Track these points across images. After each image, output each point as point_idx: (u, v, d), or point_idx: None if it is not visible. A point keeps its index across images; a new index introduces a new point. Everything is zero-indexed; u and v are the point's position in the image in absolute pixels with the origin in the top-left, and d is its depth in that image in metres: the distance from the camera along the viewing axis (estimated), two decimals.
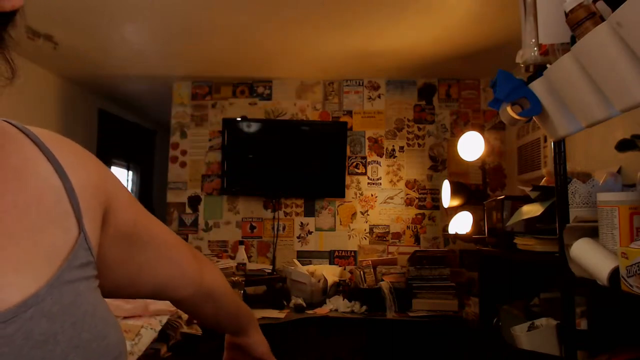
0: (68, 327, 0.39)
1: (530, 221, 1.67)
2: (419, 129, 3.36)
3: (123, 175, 4.46)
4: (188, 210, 3.41)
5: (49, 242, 0.42)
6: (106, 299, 0.47)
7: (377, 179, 3.34)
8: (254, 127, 3.35)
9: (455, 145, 3.08)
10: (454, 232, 2.98)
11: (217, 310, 0.73)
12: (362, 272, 2.93)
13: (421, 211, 3.30)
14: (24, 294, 0.38)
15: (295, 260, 3.20)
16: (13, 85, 0.48)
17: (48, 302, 0.38)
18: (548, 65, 1.16)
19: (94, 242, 0.47)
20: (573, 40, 1.01)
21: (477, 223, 2.87)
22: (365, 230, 3.31)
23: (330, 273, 3.04)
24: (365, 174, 3.35)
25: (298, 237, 3.34)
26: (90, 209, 0.47)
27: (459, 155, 3.05)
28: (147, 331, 1.75)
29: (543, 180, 1.89)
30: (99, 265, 0.48)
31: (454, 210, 3.06)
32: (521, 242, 1.72)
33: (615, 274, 0.99)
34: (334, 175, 3.27)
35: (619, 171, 1.68)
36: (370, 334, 2.66)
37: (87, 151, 0.53)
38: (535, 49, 1.17)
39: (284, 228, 3.34)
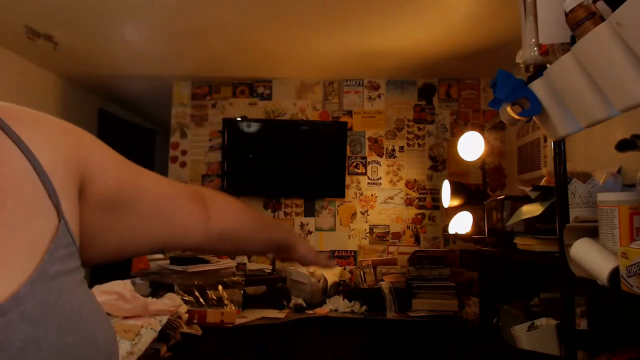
0: (52, 331, 0.35)
1: (530, 221, 1.67)
2: (419, 129, 3.36)
3: None
4: None
5: (28, 235, 0.38)
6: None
7: (377, 179, 3.34)
8: (254, 127, 3.35)
9: (455, 145, 3.08)
10: (454, 232, 2.98)
11: (236, 244, 0.73)
12: (362, 272, 2.93)
13: (421, 211, 3.30)
14: (3, 296, 0.34)
15: None
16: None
17: (29, 303, 0.35)
18: (548, 65, 1.16)
19: (75, 226, 0.43)
20: (573, 40, 1.01)
21: (477, 223, 2.87)
22: (365, 230, 3.31)
23: (330, 273, 3.04)
24: (365, 174, 3.35)
25: None
26: (65, 189, 0.43)
27: (459, 155, 3.05)
28: (147, 331, 1.75)
29: (543, 180, 1.89)
30: (82, 237, 0.44)
31: (454, 210, 3.06)
32: (521, 242, 1.72)
33: (615, 274, 0.99)
34: (334, 175, 3.27)
35: (619, 171, 1.68)
36: (370, 334, 2.66)
37: (49, 118, 0.47)
38: (535, 49, 1.17)
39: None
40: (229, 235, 0.70)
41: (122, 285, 1.85)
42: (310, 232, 3.33)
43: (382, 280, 2.87)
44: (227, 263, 2.74)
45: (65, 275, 0.39)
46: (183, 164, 3.45)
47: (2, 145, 0.40)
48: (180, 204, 0.61)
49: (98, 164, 0.49)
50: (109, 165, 0.51)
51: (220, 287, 2.55)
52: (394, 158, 3.35)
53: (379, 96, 3.40)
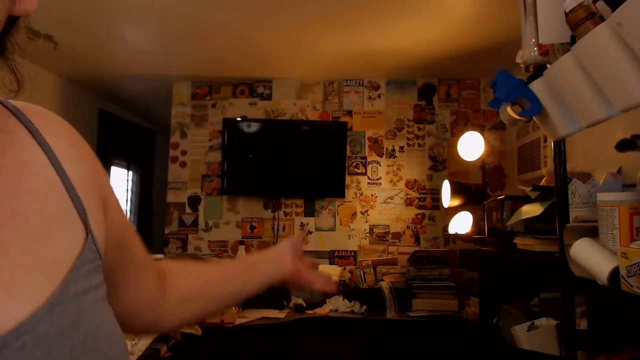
0: (66, 354, 0.35)
1: (530, 221, 1.67)
2: (419, 129, 3.36)
3: (123, 175, 4.46)
4: (188, 210, 3.41)
5: (52, 252, 0.38)
6: None
7: (377, 179, 3.34)
8: (254, 127, 3.35)
9: (455, 145, 3.08)
10: (454, 232, 2.98)
11: (207, 302, 0.67)
12: (362, 272, 2.93)
13: (421, 211, 3.30)
14: (17, 320, 0.33)
15: None
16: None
17: (45, 325, 0.34)
18: (548, 65, 1.16)
19: (101, 240, 0.43)
20: (573, 40, 1.01)
21: (477, 223, 2.87)
22: (365, 230, 3.31)
23: (330, 273, 3.04)
24: (365, 174, 3.35)
25: None
26: (92, 204, 0.43)
27: (459, 155, 3.04)
28: None
29: (543, 180, 1.89)
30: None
31: (454, 210, 3.06)
32: (521, 242, 1.72)
33: (615, 274, 0.99)
34: (334, 175, 3.27)
35: (619, 171, 1.67)
36: (370, 334, 2.66)
37: (79, 135, 0.47)
38: (535, 49, 1.17)
39: (284, 228, 3.34)
40: (192, 295, 0.64)
41: None
42: (310, 232, 3.33)
43: (382, 280, 2.87)
44: None
45: (87, 293, 0.38)
46: (183, 164, 3.45)
47: (32, 155, 0.40)
48: (151, 276, 0.58)
49: (113, 200, 0.48)
50: (119, 207, 0.50)
51: None
52: (394, 158, 3.35)
53: (379, 96, 3.40)
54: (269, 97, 3.45)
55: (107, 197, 0.47)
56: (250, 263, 0.76)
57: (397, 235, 3.29)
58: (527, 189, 1.71)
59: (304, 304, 2.80)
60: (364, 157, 3.37)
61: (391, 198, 3.32)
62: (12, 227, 0.36)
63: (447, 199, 2.98)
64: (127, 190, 4.52)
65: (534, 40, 1.17)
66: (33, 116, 0.43)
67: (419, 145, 3.35)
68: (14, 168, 0.39)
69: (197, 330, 2.12)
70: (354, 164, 3.36)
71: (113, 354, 0.39)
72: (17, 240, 0.36)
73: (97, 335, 0.38)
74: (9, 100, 0.43)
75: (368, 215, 3.32)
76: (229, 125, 3.33)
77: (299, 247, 0.78)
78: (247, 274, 0.72)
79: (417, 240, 3.28)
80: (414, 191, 3.32)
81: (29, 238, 0.37)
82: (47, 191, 0.40)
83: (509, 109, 1.26)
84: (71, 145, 0.45)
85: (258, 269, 0.73)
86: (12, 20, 0.40)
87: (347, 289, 3.02)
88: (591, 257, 1.09)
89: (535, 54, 1.18)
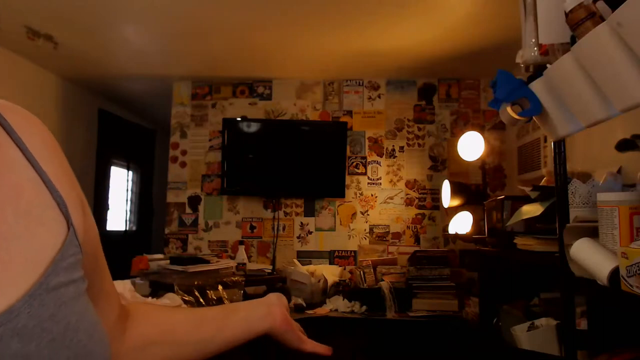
0: (45, 346, 0.34)
1: (530, 221, 1.67)
2: (419, 129, 3.36)
3: (123, 175, 4.46)
4: (188, 210, 3.41)
5: (33, 246, 0.37)
6: None
7: (377, 179, 3.34)
8: (254, 127, 3.35)
9: (455, 145, 3.08)
10: (454, 232, 2.98)
11: (172, 350, 0.59)
12: (362, 272, 2.93)
13: (421, 211, 3.30)
14: None
15: (295, 260, 3.20)
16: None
17: (23, 318, 0.34)
18: (548, 65, 1.16)
19: (81, 235, 0.42)
20: (573, 40, 1.01)
21: (477, 223, 2.87)
22: (365, 230, 3.31)
23: (330, 273, 3.04)
24: (365, 174, 3.35)
25: (298, 237, 3.33)
26: (72, 201, 0.43)
27: (459, 155, 3.04)
28: None
29: (543, 180, 1.89)
30: None
31: (454, 210, 3.06)
32: (521, 242, 1.72)
33: (615, 274, 0.99)
34: (334, 175, 3.27)
35: (619, 171, 1.67)
36: (370, 334, 2.66)
37: (52, 136, 0.46)
38: (535, 49, 1.17)
39: (284, 228, 3.34)
40: (153, 340, 0.57)
41: (122, 286, 1.85)
42: (310, 232, 3.33)
43: (382, 280, 2.87)
44: (227, 263, 2.74)
45: (67, 286, 0.38)
46: (183, 164, 3.45)
47: (6, 151, 0.40)
48: (111, 310, 0.53)
49: (85, 201, 0.46)
50: (89, 210, 0.47)
51: (220, 287, 2.55)
52: (394, 158, 3.35)
53: (379, 96, 3.40)
54: (269, 97, 3.45)
55: (84, 203, 0.46)
56: (230, 308, 0.68)
57: (397, 235, 3.29)
58: (527, 189, 1.71)
59: (304, 304, 2.80)
60: (364, 157, 3.37)
61: (391, 198, 3.32)
62: None
63: (447, 199, 2.98)
64: (127, 190, 4.52)
65: (534, 40, 1.17)
66: (7, 114, 0.42)
67: (419, 145, 3.35)
68: None
69: None
70: (354, 164, 3.36)
71: (94, 347, 0.38)
72: None
73: (77, 328, 0.37)
74: None
75: (368, 215, 3.31)
76: (229, 125, 3.33)
77: (287, 305, 0.72)
78: (224, 318, 0.64)
79: (417, 240, 3.28)
80: (414, 191, 3.32)
81: (7, 233, 0.36)
82: (26, 186, 0.40)
83: (509, 109, 1.26)
84: (45, 145, 0.44)
85: (238, 313, 0.65)
86: None
87: (347, 289, 3.02)
88: (591, 257, 1.09)
89: (535, 54, 1.18)
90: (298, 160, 3.29)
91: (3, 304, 0.34)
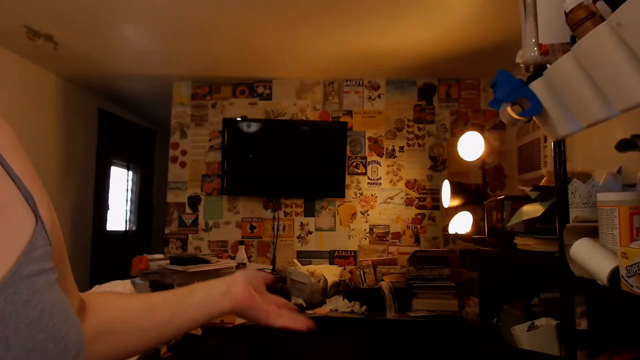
0: (22, 330, 0.36)
1: (530, 221, 1.67)
2: (419, 129, 3.36)
3: (123, 175, 4.46)
4: (188, 210, 3.41)
5: (3, 238, 0.39)
6: None
7: (377, 179, 3.34)
8: (254, 127, 3.35)
9: (455, 145, 3.08)
10: (454, 232, 2.98)
11: (126, 335, 0.59)
12: (362, 272, 2.93)
13: (421, 211, 3.30)
14: None
15: (295, 260, 3.20)
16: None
17: (0, 304, 0.35)
18: (548, 65, 1.16)
19: (50, 228, 0.44)
20: (573, 40, 1.01)
21: (477, 223, 2.87)
22: (365, 230, 3.31)
23: (330, 273, 3.04)
24: (365, 174, 3.35)
25: (298, 237, 3.33)
26: (40, 196, 0.44)
27: (459, 155, 3.04)
28: None
29: (543, 180, 1.89)
30: None
31: (454, 210, 3.06)
32: (521, 242, 1.72)
33: (615, 274, 0.99)
34: (334, 175, 3.27)
35: (619, 171, 1.67)
36: (370, 334, 2.66)
37: (13, 131, 0.47)
38: (535, 49, 1.17)
39: (284, 228, 3.34)
40: (107, 329, 0.57)
41: (122, 286, 1.85)
42: (310, 232, 3.33)
43: (382, 280, 2.87)
44: (227, 263, 2.74)
45: (39, 275, 0.39)
46: (183, 164, 3.45)
47: None
48: (73, 303, 0.53)
49: (49, 199, 0.47)
50: (52, 208, 0.47)
51: None
52: (394, 158, 3.35)
53: (379, 96, 3.40)
54: (269, 97, 3.45)
55: (49, 199, 0.47)
56: (187, 290, 0.67)
57: (397, 235, 3.29)
58: (527, 189, 1.71)
59: (304, 304, 2.80)
60: (364, 157, 3.37)
61: (391, 198, 3.32)
62: None
63: (447, 199, 2.98)
64: (127, 190, 4.52)
65: (534, 40, 1.17)
66: None
67: (419, 145, 3.35)
68: None
69: (197, 330, 2.12)
70: (354, 164, 3.36)
71: (68, 331, 0.40)
72: None
73: (52, 312, 0.39)
74: None
75: (368, 215, 3.32)
76: (229, 125, 3.33)
77: (262, 281, 0.71)
78: (179, 302, 0.64)
79: (417, 240, 3.28)
80: (414, 191, 3.32)
81: None
82: None
83: (509, 109, 1.26)
84: (10, 142, 0.45)
85: (194, 296, 0.65)
86: None
87: (347, 289, 3.02)
88: (591, 257, 1.09)
89: (535, 54, 1.18)
90: (298, 160, 3.29)
91: None
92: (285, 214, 3.35)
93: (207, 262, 2.58)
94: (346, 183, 3.30)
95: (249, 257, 3.14)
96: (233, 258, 3.04)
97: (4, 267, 0.37)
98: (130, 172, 4.57)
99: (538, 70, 1.22)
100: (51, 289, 0.40)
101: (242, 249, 2.94)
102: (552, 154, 1.34)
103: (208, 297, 0.65)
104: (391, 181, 3.33)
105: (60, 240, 0.49)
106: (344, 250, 3.30)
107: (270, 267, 3.08)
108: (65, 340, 0.39)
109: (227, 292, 0.66)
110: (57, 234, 0.47)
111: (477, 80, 3.36)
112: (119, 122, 4.23)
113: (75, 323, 0.42)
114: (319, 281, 2.92)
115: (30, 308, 0.37)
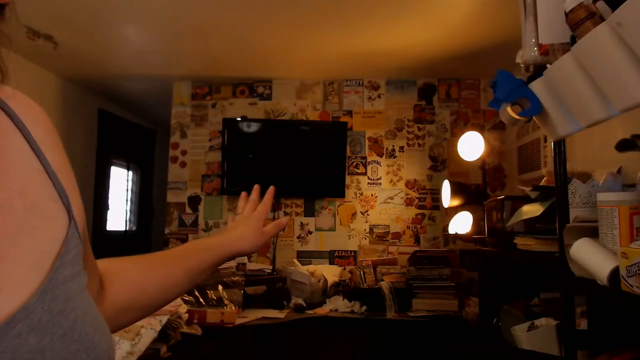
0: (57, 340, 0.35)
1: (530, 221, 1.67)
2: (419, 129, 3.36)
3: (123, 175, 4.46)
4: (188, 210, 3.41)
5: (39, 240, 0.38)
6: None
7: (377, 179, 3.34)
8: (254, 127, 3.35)
9: (455, 145, 3.08)
10: (454, 232, 2.98)
11: (144, 312, 0.62)
12: (362, 272, 2.93)
13: (421, 211, 3.30)
14: (11, 308, 0.33)
15: (295, 260, 3.20)
16: (9, 84, 0.44)
17: (38, 313, 0.35)
18: (548, 65, 1.16)
19: (81, 226, 0.43)
20: (573, 40, 1.01)
21: (477, 223, 2.87)
22: (365, 230, 3.31)
23: (330, 273, 3.04)
24: (365, 174, 3.35)
25: (298, 237, 3.33)
26: (72, 190, 0.43)
27: (459, 155, 3.04)
28: (147, 331, 1.75)
29: (543, 180, 1.89)
30: None
31: (454, 210, 3.06)
32: (521, 242, 1.72)
33: (615, 274, 0.99)
34: (334, 175, 3.27)
35: (619, 171, 1.67)
36: (370, 334, 2.66)
37: (50, 121, 0.46)
38: (535, 49, 1.17)
39: (283, 228, 3.34)
40: (130, 307, 0.59)
41: None
42: (310, 232, 3.33)
43: (382, 280, 2.87)
44: (227, 263, 2.74)
45: (73, 279, 0.39)
46: (183, 164, 3.45)
47: (12, 138, 0.39)
48: (95, 281, 0.54)
49: (79, 196, 0.46)
50: (81, 205, 0.47)
51: (220, 287, 2.55)
52: (394, 158, 3.35)
53: (379, 96, 3.40)
54: (269, 97, 3.45)
55: (79, 194, 0.46)
56: (201, 247, 0.72)
57: (397, 235, 3.29)
58: (527, 189, 1.71)
59: (304, 304, 2.80)
60: (364, 157, 3.37)
61: (391, 198, 3.32)
62: None
63: (447, 199, 2.98)
64: (127, 190, 4.52)
65: (534, 40, 1.17)
66: (10, 101, 0.42)
67: (419, 145, 3.35)
68: None
69: (197, 330, 2.12)
70: (354, 164, 3.36)
71: (99, 341, 0.39)
72: (3, 231, 0.36)
73: (84, 322, 0.38)
74: None
75: (368, 215, 3.32)
76: (229, 125, 3.33)
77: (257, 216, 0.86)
78: (199, 273, 0.69)
79: (417, 240, 3.28)
80: (414, 191, 3.32)
81: (14, 228, 0.36)
82: (31, 179, 0.39)
83: (509, 109, 1.26)
84: (47, 131, 0.44)
85: (210, 254, 0.71)
86: None
87: (347, 289, 3.02)
88: (591, 257, 1.09)
89: (535, 54, 1.18)
90: (298, 160, 3.29)
91: (17, 301, 0.34)
92: (285, 213, 3.35)
93: None
94: (346, 183, 3.30)
95: (249, 257, 3.14)
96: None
97: (41, 272, 0.36)
98: (130, 172, 4.57)
99: (538, 70, 1.22)
100: (82, 294, 0.40)
101: None
102: (552, 154, 1.34)
103: (223, 257, 0.74)
104: (391, 181, 3.33)
105: (85, 227, 0.48)
106: (344, 250, 3.30)
107: (270, 267, 3.08)
108: (97, 350, 0.39)
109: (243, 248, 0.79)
110: (84, 224, 0.46)
111: (477, 80, 3.36)
112: (119, 122, 4.22)
113: (105, 329, 0.42)
114: (319, 281, 2.92)
115: (64, 317, 0.36)
